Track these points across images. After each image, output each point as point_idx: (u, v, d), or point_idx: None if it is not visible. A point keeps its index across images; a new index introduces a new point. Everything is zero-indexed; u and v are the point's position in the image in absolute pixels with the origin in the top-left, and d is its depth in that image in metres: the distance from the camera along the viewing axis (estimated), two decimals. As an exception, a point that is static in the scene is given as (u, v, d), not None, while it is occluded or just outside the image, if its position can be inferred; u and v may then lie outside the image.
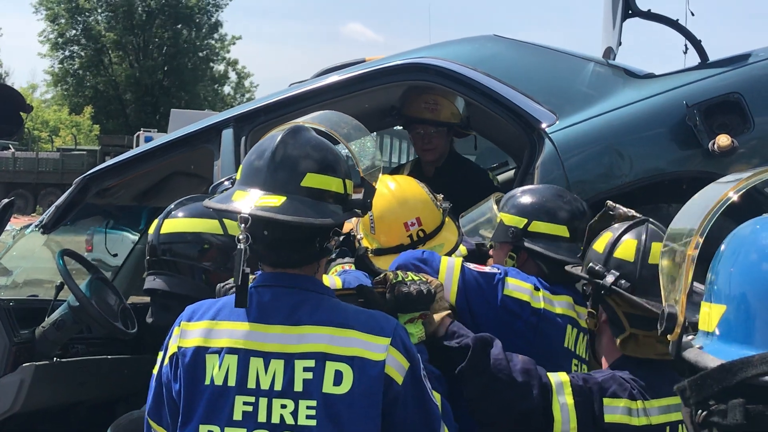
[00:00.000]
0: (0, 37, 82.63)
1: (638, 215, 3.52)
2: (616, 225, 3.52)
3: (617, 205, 3.58)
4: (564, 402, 3.26)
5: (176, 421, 2.92)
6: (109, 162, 5.36)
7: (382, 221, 3.89)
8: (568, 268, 3.67)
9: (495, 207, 4.08)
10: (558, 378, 3.31)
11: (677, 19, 4.96)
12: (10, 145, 44.41)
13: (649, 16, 5.08)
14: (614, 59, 5.44)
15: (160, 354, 3.19)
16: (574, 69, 4.82)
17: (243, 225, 2.77)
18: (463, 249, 4.19)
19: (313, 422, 2.76)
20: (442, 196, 4.06)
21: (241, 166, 3.00)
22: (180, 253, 3.85)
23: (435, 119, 5.37)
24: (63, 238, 5.63)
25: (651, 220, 3.49)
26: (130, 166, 5.21)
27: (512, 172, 6.90)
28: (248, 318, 2.86)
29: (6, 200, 4.96)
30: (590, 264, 3.42)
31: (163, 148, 5.15)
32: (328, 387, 2.77)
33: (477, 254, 4.21)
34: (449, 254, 3.86)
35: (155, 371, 3.34)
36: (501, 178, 7.03)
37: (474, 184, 5.16)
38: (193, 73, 63.83)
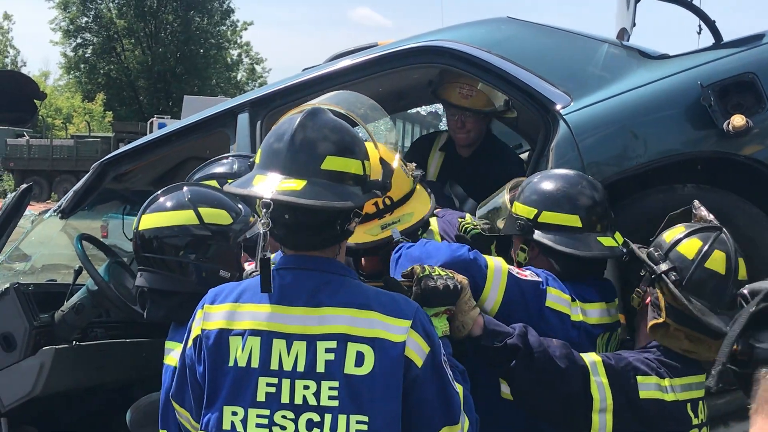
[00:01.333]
0: (12, 25, 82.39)
1: (716, 222, 3.57)
2: (691, 223, 3.60)
3: (701, 207, 3.63)
4: (600, 381, 3.36)
5: (200, 403, 2.96)
6: (126, 147, 5.39)
7: None
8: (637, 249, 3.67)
9: (506, 196, 4.05)
10: (591, 358, 3.40)
11: (691, 0, 4.97)
12: (25, 133, 44.58)
13: (665, -3, 5.10)
14: (628, 40, 5.44)
15: (172, 344, 3.26)
16: (588, 50, 4.80)
17: (265, 210, 2.79)
18: (434, 224, 4.13)
19: (335, 402, 2.80)
20: (415, 164, 3.91)
21: (259, 150, 3.01)
22: (159, 248, 3.81)
23: (469, 107, 5.37)
24: (80, 223, 5.66)
25: (725, 230, 3.53)
26: (146, 150, 5.26)
27: (526, 154, 6.92)
28: (270, 300, 2.89)
29: (24, 185, 5.02)
30: (652, 249, 3.53)
31: (179, 133, 5.19)
32: (349, 368, 2.81)
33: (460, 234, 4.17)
34: (418, 226, 3.75)
35: (168, 360, 3.40)
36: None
37: (506, 171, 5.15)
38: (205, 60, 63.92)
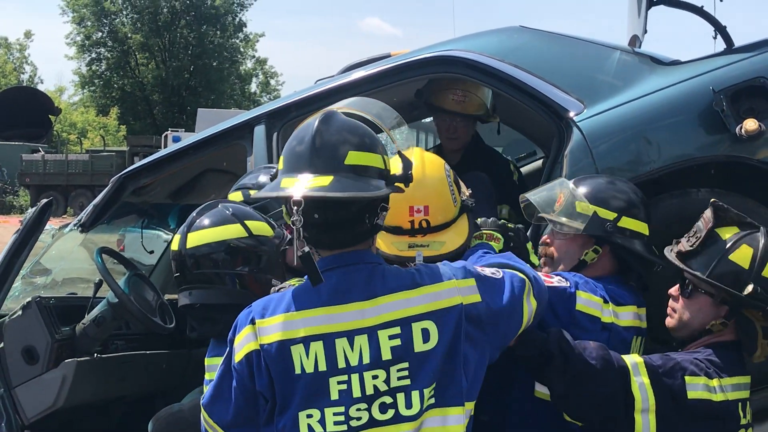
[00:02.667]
0: (31, 42, 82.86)
1: (752, 221, 3.66)
2: (737, 232, 3.63)
3: (726, 206, 3.68)
4: (641, 382, 3.42)
5: (251, 417, 3.07)
6: (145, 160, 5.45)
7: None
8: (693, 271, 3.63)
9: (575, 191, 3.97)
10: (633, 360, 3.46)
11: (702, 6, 5.00)
12: (40, 148, 44.87)
13: (674, 3, 5.13)
14: (640, 47, 5.48)
15: (216, 360, 3.30)
16: (600, 58, 4.85)
17: (296, 208, 2.86)
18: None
19: (407, 382, 2.91)
20: (470, 192, 3.91)
21: (282, 156, 3.08)
22: (210, 263, 3.89)
23: (462, 112, 5.43)
24: (98, 237, 5.73)
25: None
26: (165, 163, 5.31)
27: (540, 162, 6.95)
28: (322, 303, 2.97)
29: (45, 200, 5.08)
30: (743, 280, 3.51)
31: (196, 146, 5.25)
32: (419, 346, 2.92)
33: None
34: (446, 258, 3.52)
35: (211, 376, 3.43)
36: (528, 168, 7.09)
37: (495, 174, 5.20)
38: (218, 73, 64.10)
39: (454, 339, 2.94)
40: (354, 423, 2.89)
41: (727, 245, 3.58)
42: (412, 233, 3.64)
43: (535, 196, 4.09)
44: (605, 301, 3.68)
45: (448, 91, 5.39)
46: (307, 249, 2.86)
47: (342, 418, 2.90)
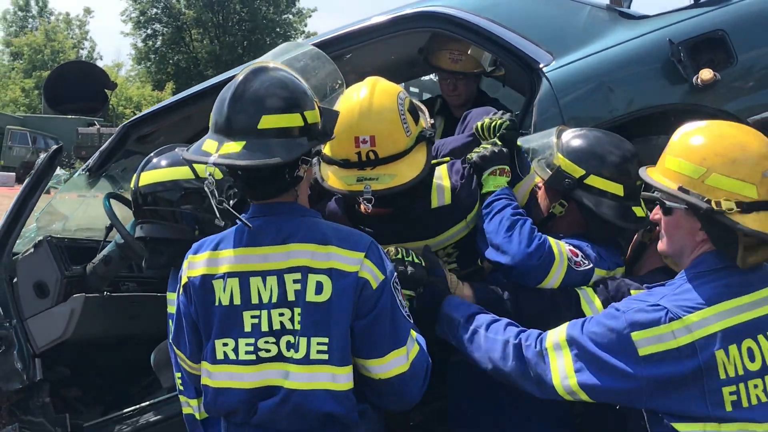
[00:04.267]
0: (91, 18, 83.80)
1: None
2: None
3: None
4: (589, 299, 3.70)
5: (195, 342, 3.39)
6: (148, 110, 5.76)
7: (335, 128, 3.45)
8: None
9: (554, 141, 4.05)
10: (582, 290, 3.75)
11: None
12: (96, 122, 45.38)
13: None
14: (629, 6, 5.71)
15: (172, 295, 3.66)
16: (570, 12, 5.06)
17: (209, 173, 3.19)
18: (446, 179, 3.99)
19: (299, 326, 3.18)
20: (432, 122, 3.98)
21: (211, 114, 3.30)
22: (160, 200, 4.21)
23: (460, 70, 5.68)
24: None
25: None
26: (165, 113, 5.57)
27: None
28: (243, 244, 3.27)
29: (55, 146, 5.44)
30: None
31: (194, 96, 5.46)
32: (310, 296, 3.18)
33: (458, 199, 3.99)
34: (397, 191, 3.63)
35: (170, 309, 3.81)
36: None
37: None
38: (271, 48, 63.97)
39: (345, 302, 3.18)
40: (263, 354, 3.20)
41: None
42: (361, 166, 3.65)
43: (530, 143, 4.29)
44: (609, 269, 3.85)
45: (445, 50, 5.64)
46: (224, 203, 3.23)
47: (252, 348, 3.21)
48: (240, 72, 3.32)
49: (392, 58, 6.28)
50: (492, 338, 3.46)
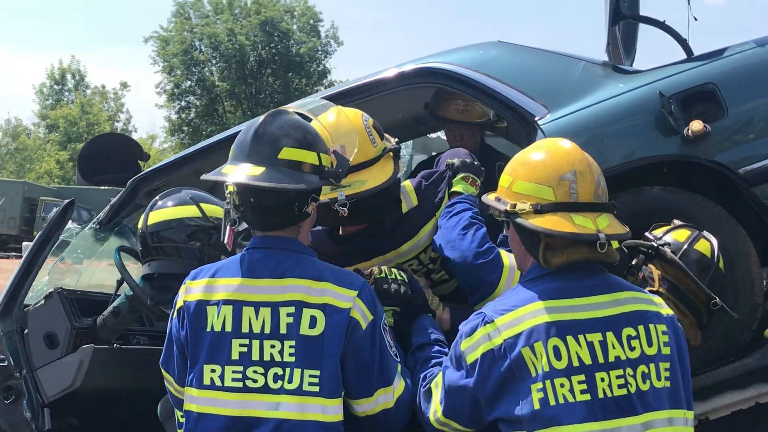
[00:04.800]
0: (127, 92, 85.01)
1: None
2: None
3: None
4: None
5: (183, 367, 3.49)
6: (158, 164, 5.91)
7: None
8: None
9: None
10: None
11: (664, 20, 5.33)
12: (128, 192, 45.77)
13: (637, 18, 5.48)
14: (632, 64, 5.85)
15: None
16: (565, 67, 5.21)
17: (229, 191, 3.39)
18: (408, 183, 4.38)
19: (293, 359, 3.29)
20: (396, 140, 4.31)
21: (232, 146, 3.55)
22: (167, 238, 4.46)
23: (466, 120, 5.87)
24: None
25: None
26: (175, 167, 5.71)
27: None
28: (241, 274, 3.42)
29: (67, 201, 5.60)
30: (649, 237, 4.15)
31: (203, 150, 5.61)
32: (304, 330, 3.32)
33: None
34: (368, 194, 3.96)
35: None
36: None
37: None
38: (302, 118, 64.68)
39: (337, 337, 3.33)
40: (249, 383, 3.32)
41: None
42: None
43: None
44: None
45: (452, 101, 5.81)
46: (234, 227, 3.47)
47: (239, 375, 3.33)
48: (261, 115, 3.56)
49: (399, 115, 6.42)
50: (418, 374, 3.61)
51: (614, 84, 5.02)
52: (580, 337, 3.13)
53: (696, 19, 5.51)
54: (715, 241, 4.08)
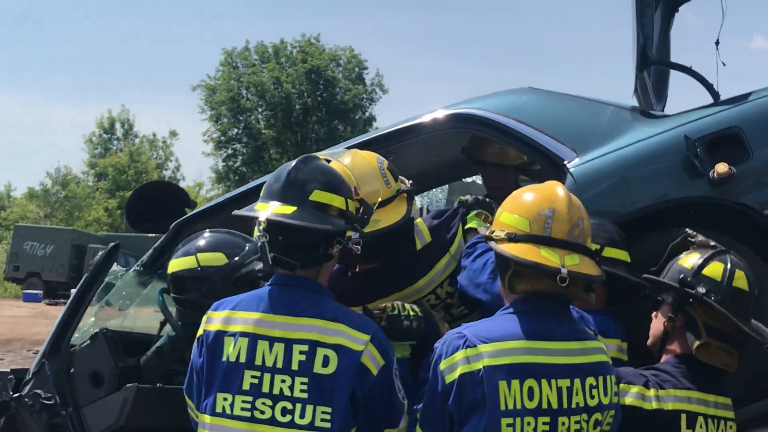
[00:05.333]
0: (176, 140, 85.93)
1: (718, 245, 4.11)
2: (698, 250, 4.10)
3: (697, 234, 4.17)
4: None
5: (200, 394, 3.64)
6: (199, 209, 6.09)
7: None
8: (648, 276, 4.18)
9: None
10: None
11: (690, 66, 5.46)
12: (175, 239, 46.17)
13: (664, 63, 5.61)
14: (663, 109, 5.97)
15: None
16: (594, 112, 5.36)
17: (260, 227, 3.55)
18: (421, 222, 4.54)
19: (305, 395, 3.45)
20: (411, 182, 4.46)
21: (263, 186, 3.74)
22: (174, 289, 4.99)
23: (501, 162, 6.00)
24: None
25: (731, 251, 4.08)
26: (216, 211, 5.86)
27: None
28: (259, 309, 3.58)
29: (112, 244, 5.80)
30: (682, 275, 3.98)
31: (245, 194, 5.71)
32: (317, 368, 3.46)
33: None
34: (383, 232, 4.12)
35: None
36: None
37: None
38: (347, 166, 64.93)
39: (348, 377, 3.47)
40: (257, 414, 3.47)
41: (680, 257, 4.10)
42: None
43: None
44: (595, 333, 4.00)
45: (488, 145, 5.95)
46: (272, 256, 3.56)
47: (248, 406, 3.48)
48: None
49: (435, 159, 6.57)
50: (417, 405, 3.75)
51: (641, 128, 5.13)
52: (552, 381, 3.37)
53: (725, 65, 5.66)
54: (747, 268, 4.03)
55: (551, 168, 5.13)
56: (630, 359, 4.40)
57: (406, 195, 4.38)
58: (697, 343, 3.91)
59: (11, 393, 5.56)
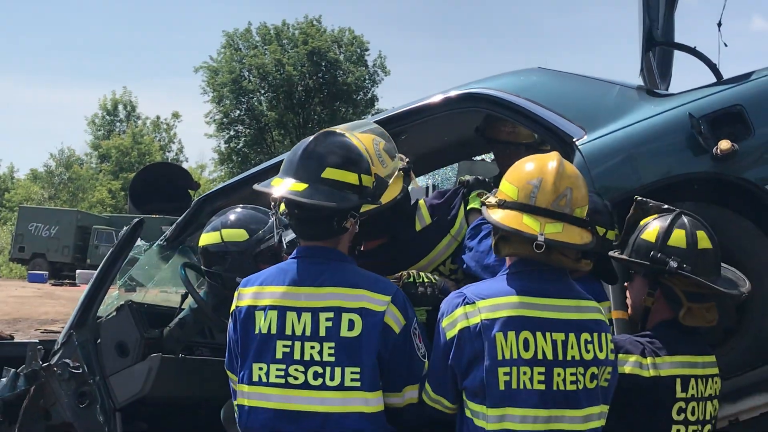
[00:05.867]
0: (179, 122, 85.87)
1: (670, 207, 4.28)
2: (654, 217, 4.29)
3: (648, 200, 4.34)
4: None
5: (237, 366, 3.88)
6: (221, 185, 6.28)
7: None
8: (613, 254, 4.33)
9: None
10: None
11: (695, 47, 5.62)
12: (178, 220, 46.20)
13: (669, 44, 5.78)
14: (667, 88, 6.14)
15: None
16: (601, 91, 5.51)
17: (274, 203, 3.78)
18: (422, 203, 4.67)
19: (333, 359, 3.68)
20: (408, 159, 4.48)
21: (284, 160, 3.93)
22: (203, 263, 5.26)
23: (514, 141, 6.14)
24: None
25: (684, 211, 4.26)
26: (237, 188, 6.03)
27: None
28: (285, 282, 3.81)
29: (137, 219, 5.99)
30: (651, 252, 4.16)
31: (267, 169, 5.83)
32: (344, 332, 3.70)
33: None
34: (380, 209, 4.07)
35: None
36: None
37: None
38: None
39: (373, 337, 3.70)
40: (291, 380, 3.70)
41: (641, 230, 4.27)
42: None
43: None
44: None
45: (501, 124, 6.11)
46: (281, 232, 3.98)
47: (282, 373, 3.72)
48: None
49: (445, 139, 6.75)
50: None
51: (647, 106, 5.29)
52: (547, 334, 3.60)
53: (726, 45, 5.83)
54: (703, 224, 4.23)
55: (560, 145, 5.27)
56: None
57: (402, 173, 4.43)
58: (681, 311, 4.14)
59: (40, 362, 5.75)
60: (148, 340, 5.69)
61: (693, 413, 4.07)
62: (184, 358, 5.80)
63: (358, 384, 3.67)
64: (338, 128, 4.29)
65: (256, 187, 3.95)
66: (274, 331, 3.75)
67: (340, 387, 3.66)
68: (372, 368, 3.69)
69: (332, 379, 3.67)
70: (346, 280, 3.78)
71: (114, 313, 5.76)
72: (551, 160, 3.79)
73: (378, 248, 4.59)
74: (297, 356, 3.71)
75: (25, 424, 5.69)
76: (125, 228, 5.92)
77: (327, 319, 3.71)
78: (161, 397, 5.74)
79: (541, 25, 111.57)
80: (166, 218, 46.62)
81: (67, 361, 5.68)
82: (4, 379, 5.84)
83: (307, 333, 3.71)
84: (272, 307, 3.78)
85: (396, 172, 4.36)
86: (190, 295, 5.59)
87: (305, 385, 3.69)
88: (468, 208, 4.65)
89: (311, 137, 3.91)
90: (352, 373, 3.67)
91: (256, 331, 3.79)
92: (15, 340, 6.88)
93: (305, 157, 3.83)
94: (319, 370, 3.69)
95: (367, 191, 3.90)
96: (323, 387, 3.68)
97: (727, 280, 4.21)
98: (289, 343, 3.72)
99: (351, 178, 3.83)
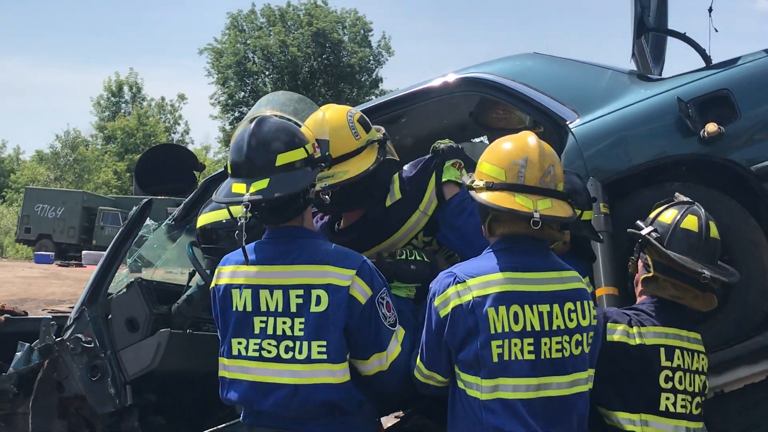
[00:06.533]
0: (184, 104, 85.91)
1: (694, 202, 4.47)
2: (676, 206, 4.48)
3: (681, 196, 4.55)
4: None
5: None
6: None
7: None
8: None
9: None
10: None
11: (685, 33, 5.80)
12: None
13: (660, 30, 5.95)
14: (661, 72, 6.32)
15: None
16: (594, 75, 5.71)
17: (245, 209, 3.85)
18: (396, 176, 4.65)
19: (302, 333, 3.89)
20: (383, 131, 4.61)
21: (227, 162, 4.07)
22: (205, 241, 5.32)
23: (505, 127, 6.32)
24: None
25: (697, 204, 4.45)
26: None
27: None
28: (257, 262, 4.00)
29: (146, 199, 6.19)
30: (637, 222, 4.45)
31: None
32: (312, 308, 3.90)
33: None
34: (351, 182, 4.33)
35: None
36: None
37: None
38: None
39: (340, 311, 3.88)
40: (264, 354, 3.92)
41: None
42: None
43: None
44: None
45: (492, 110, 6.31)
46: (245, 237, 3.89)
47: (257, 347, 3.93)
48: (243, 123, 4.15)
49: (444, 121, 6.93)
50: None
51: (638, 90, 5.48)
52: (534, 306, 3.77)
53: (717, 30, 6.00)
54: (702, 212, 4.38)
55: (554, 128, 5.48)
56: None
57: (377, 144, 4.54)
58: (645, 275, 4.37)
59: (54, 337, 5.97)
60: (157, 316, 5.89)
61: (681, 382, 4.23)
62: (192, 334, 5.97)
63: (324, 357, 3.86)
64: (261, 106, 4.57)
65: (220, 200, 4.03)
66: (250, 308, 3.96)
67: (308, 360, 3.86)
68: (338, 341, 3.88)
69: (300, 352, 3.87)
70: (313, 258, 3.95)
71: (124, 290, 5.96)
72: (530, 138, 3.95)
73: (352, 226, 4.73)
74: (270, 331, 3.91)
75: (40, 396, 5.91)
76: (135, 207, 6.10)
77: (297, 296, 3.90)
78: (170, 371, 5.91)
79: (545, 6, 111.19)
80: (172, 199, 46.88)
81: (80, 336, 5.89)
82: (19, 354, 6.07)
83: (280, 309, 3.91)
84: (246, 286, 3.98)
85: (369, 145, 4.50)
86: (197, 273, 5.72)
87: (277, 359, 3.89)
88: (444, 180, 4.63)
89: (244, 132, 4.00)
90: (318, 346, 3.86)
91: (234, 308, 4.00)
92: (29, 316, 7.03)
93: (252, 153, 3.93)
94: (290, 344, 3.88)
95: (317, 158, 4.08)
96: (293, 360, 3.87)
97: (717, 270, 4.35)
98: (265, 318, 3.93)
99: (300, 154, 3.98)
